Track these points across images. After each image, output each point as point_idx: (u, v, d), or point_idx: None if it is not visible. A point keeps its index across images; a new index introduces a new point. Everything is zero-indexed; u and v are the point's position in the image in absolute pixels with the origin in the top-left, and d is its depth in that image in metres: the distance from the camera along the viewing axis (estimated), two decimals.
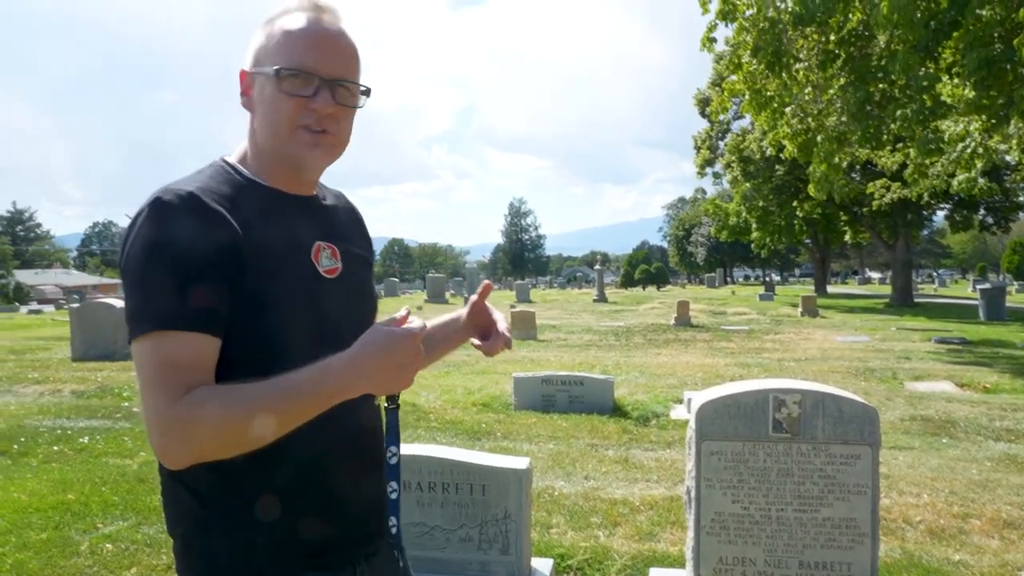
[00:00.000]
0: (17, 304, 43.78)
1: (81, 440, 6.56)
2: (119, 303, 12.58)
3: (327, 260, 1.30)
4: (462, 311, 1.59)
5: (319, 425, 1.16)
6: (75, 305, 14.43)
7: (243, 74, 1.28)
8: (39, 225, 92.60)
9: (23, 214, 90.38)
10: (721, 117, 31.43)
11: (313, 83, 1.22)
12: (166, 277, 1.11)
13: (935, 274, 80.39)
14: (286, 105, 1.22)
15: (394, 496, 1.31)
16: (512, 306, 24.74)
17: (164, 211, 1.14)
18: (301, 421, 1.11)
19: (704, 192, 72.59)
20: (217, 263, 1.14)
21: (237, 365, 1.16)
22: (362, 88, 1.29)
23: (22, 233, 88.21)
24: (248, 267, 1.17)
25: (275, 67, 1.21)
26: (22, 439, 6.61)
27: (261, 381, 1.09)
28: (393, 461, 1.31)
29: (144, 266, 1.12)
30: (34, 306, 40.51)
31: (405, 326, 1.12)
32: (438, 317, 1.61)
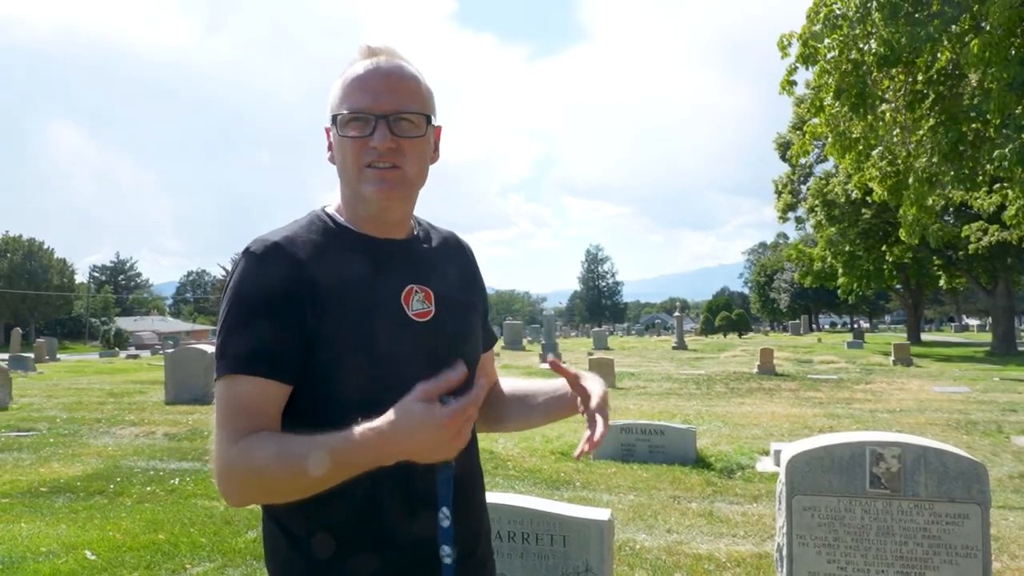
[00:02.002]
0: (117, 349, 46.11)
1: (172, 481, 6.78)
2: (209, 348, 13.09)
3: (418, 303, 1.29)
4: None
5: (399, 480, 1.19)
6: (169, 351, 15.10)
7: (326, 131, 1.33)
8: (139, 274, 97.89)
9: (124, 264, 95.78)
10: (803, 161, 30.86)
11: (370, 122, 1.24)
12: (242, 324, 1.18)
13: None
14: (349, 148, 1.25)
15: (448, 561, 1.24)
16: (590, 353, 24.52)
17: (249, 261, 1.21)
18: (337, 481, 1.11)
19: (786, 237, 70.93)
20: (293, 312, 1.18)
21: (322, 408, 1.19)
22: (424, 116, 1.28)
23: (123, 282, 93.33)
24: (330, 313, 1.20)
25: (333, 115, 1.27)
26: (118, 479, 6.89)
27: (304, 438, 1.10)
28: (446, 524, 1.24)
29: (227, 312, 1.20)
30: (132, 351, 42.56)
31: (451, 405, 1.03)
32: (551, 381, 1.48)
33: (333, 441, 1.07)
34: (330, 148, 1.32)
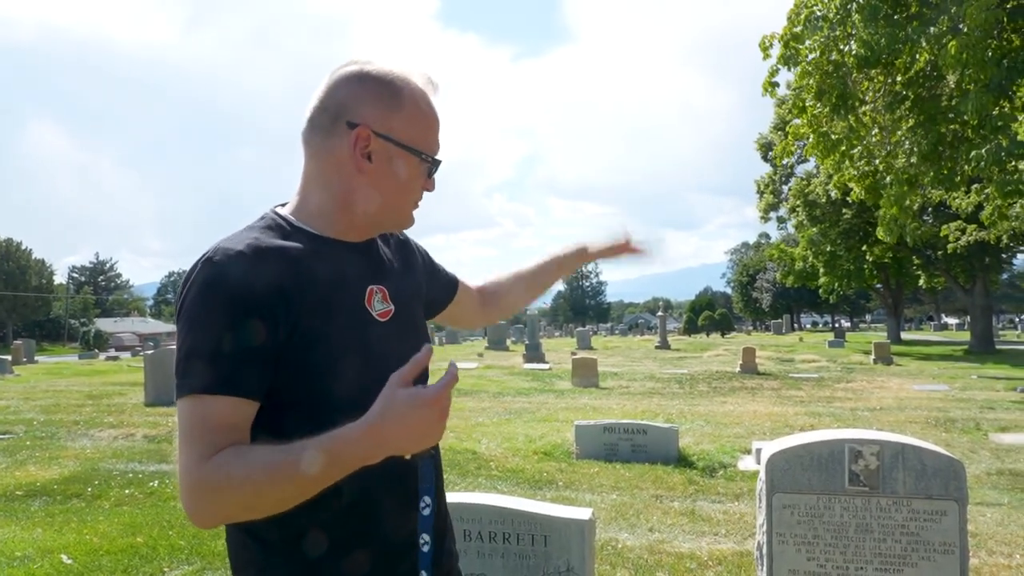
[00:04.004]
0: (96, 351, 45.61)
1: (151, 484, 6.71)
2: None
3: (379, 303, 1.29)
4: (588, 245, 1.77)
5: (383, 479, 1.20)
6: (149, 352, 14.96)
7: (366, 134, 1.23)
8: (119, 275, 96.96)
9: (104, 265, 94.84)
10: (785, 161, 31.08)
11: (435, 168, 1.32)
12: (211, 342, 1.11)
13: (1017, 319, 76.78)
14: (418, 187, 1.31)
15: (425, 549, 1.25)
16: (573, 353, 24.56)
17: (214, 274, 1.14)
18: (325, 485, 1.08)
19: (768, 237, 71.49)
20: (262, 326, 1.13)
21: (295, 419, 1.16)
22: None
23: (103, 283, 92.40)
24: (300, 321, 1.16)
25: (424, 153, 1.28)
26: (96, 482, 6.81)
27: (287, 445, 1.07)
28: (426, 512, 1.25)
29: (191, 328, 1.13)
30: (112, 352, 42.11)
31: (430, 384, 1.06)
32: (550, 253, 1.78)
33: (321, 441, 1.05)
34: (365, 156, 1.24)
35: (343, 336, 1.21)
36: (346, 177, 1.25)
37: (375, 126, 1.23)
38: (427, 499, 1.25)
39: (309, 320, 1.17)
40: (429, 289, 1.52)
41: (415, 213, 1.35)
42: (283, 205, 1.32)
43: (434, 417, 1.05)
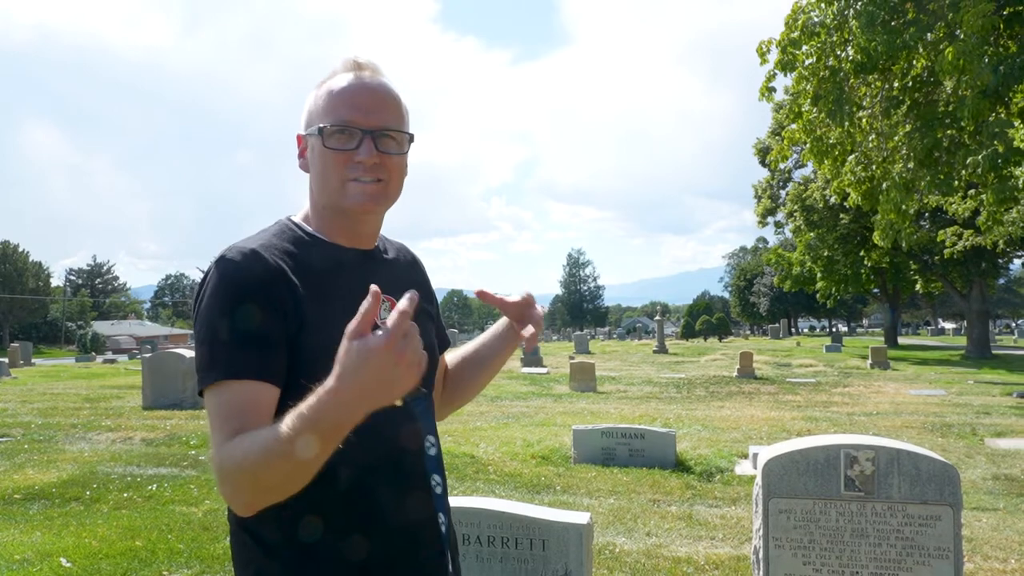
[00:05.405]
0: (94, 354, 45.51)
1: (150, 487, 6.71)
2: (188, 353, 12.98)
3: (386, 314, 1.32)
4: (501, 321, 1.56)
5: (384, 475, 1.24)
6: (147, 355, 14.95)
7: (299, 138, 1.35)
8: (116, 278, 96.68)
9: (102, 267, 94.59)
10: (782, 166, 31.17)
11: (356, 136, 1.26)
12: (229, 331, 1.16)
13: (1014, 324, 76.89)
14: (332, 160, 1.27)
15: (439, 491, 1.32)
16: (571, 357, 24.57)
17: (228, 269, 1.20)
18: (320, 456, 1.04)
19: (766, 241, 71.45)
20: (277, 317, 1.18)
21: None
22: (407, 135, 1.33)
23: (100, 285, 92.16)
24: (307, 321, 1.20)
25: (319, 126, 1.27)
26: (94, 485, 6.81)
27: (278, 422, 1.04)
28: (432, 452, 1.31)
29: (209, 321, 1.18)
30: (109, 356, 42.03)
31: (377, 331, 0.98)
32: (481, 336, 1.62)
33: (300, 412, 1.02)
34: (302, 155, 1.34)
35: (340, 324, 1.22)
36: (308, 183, 1.34)
37: (303, 129, 1.33)
38: (431, 438, 1.31)
39: (315, 323, 1.22)
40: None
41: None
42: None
43: (391, 362, 0.96)
